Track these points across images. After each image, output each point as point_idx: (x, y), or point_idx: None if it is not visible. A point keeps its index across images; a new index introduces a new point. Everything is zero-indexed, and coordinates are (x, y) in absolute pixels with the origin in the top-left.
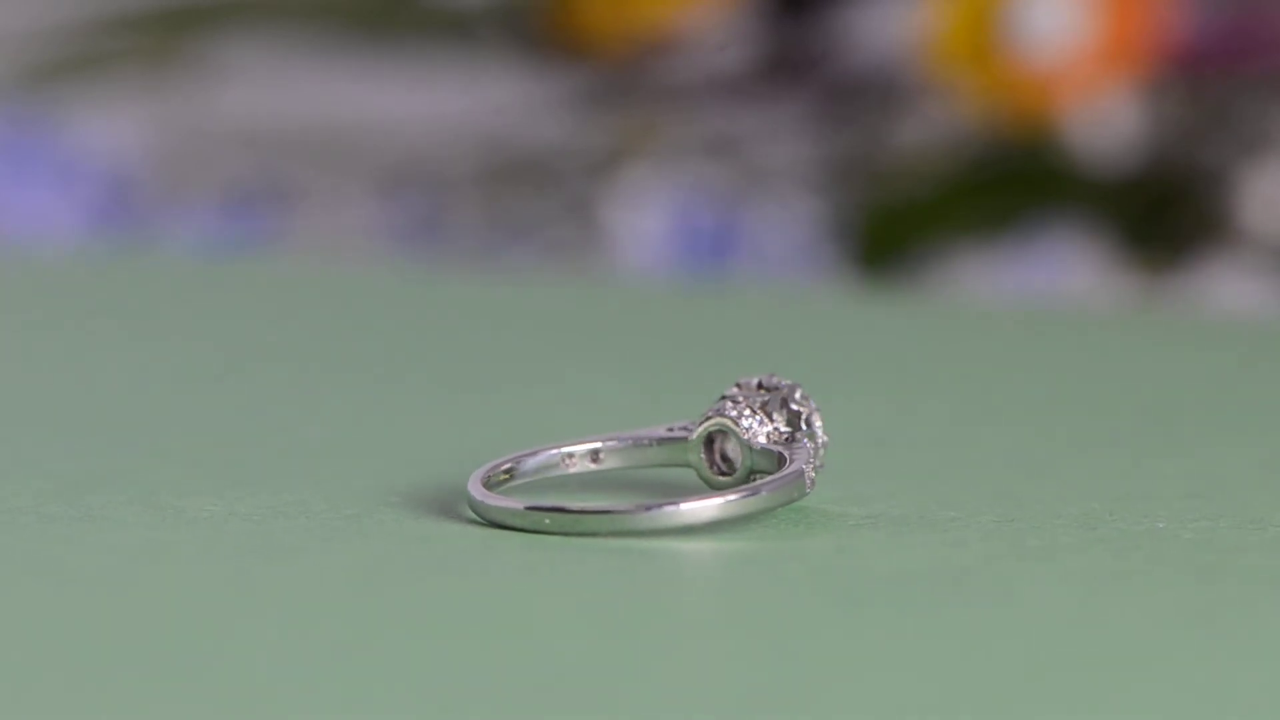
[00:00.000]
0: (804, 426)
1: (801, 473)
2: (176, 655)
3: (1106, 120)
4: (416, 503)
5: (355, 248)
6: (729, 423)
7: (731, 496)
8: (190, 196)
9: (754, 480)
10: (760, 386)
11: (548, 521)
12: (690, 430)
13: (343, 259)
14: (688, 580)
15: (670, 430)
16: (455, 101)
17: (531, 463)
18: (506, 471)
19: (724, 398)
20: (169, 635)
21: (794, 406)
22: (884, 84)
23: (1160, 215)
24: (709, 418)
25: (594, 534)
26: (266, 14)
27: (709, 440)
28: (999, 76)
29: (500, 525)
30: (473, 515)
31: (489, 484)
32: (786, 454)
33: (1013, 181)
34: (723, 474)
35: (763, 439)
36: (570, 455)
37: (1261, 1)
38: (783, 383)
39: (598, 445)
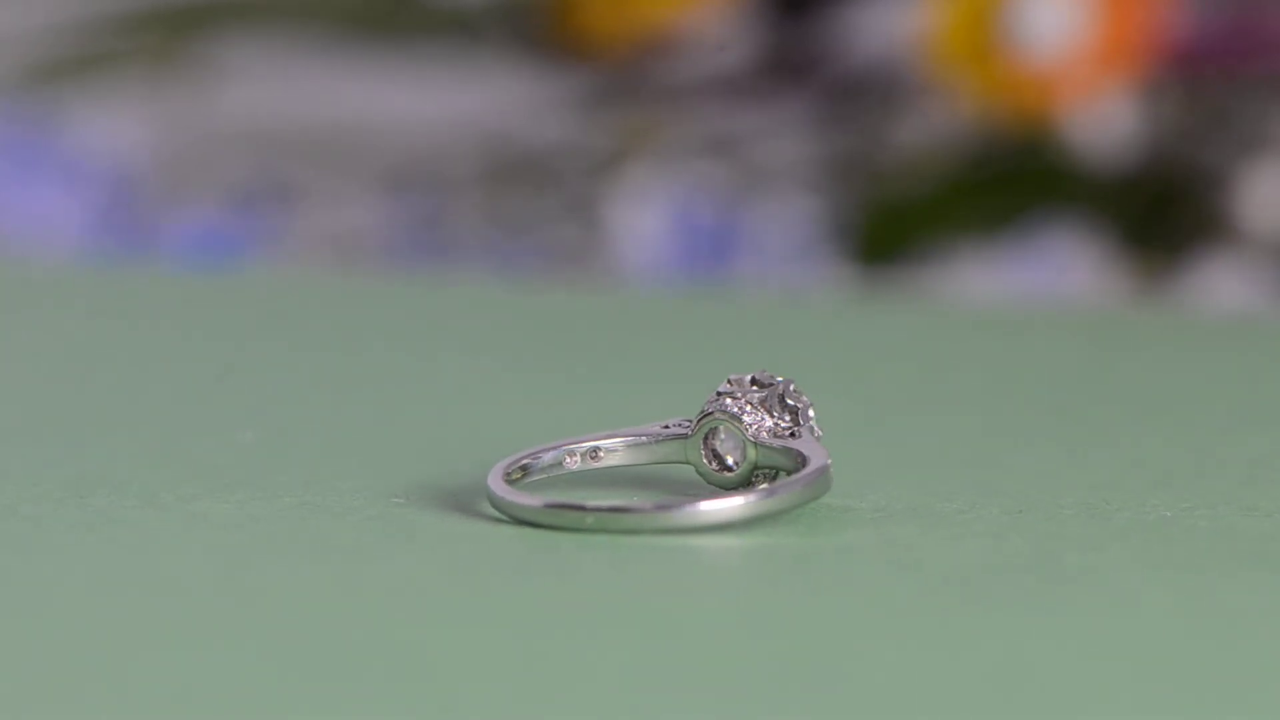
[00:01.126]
0: (801, 421)
1: (827, 468)
2: (231, 660)
3: (1105, 120)
4: (430, 502)
5: (357, 247)
6: (732, 420)
7: (772, 491)
8: (193, 196)
9: (758, 476)
10: (754, 382)
11: (590, 520)
12: (690, 427)
13: (341, 263)
14: (759, 578)
15: (667, 427)
16: (457, 101)
17: (546, 459)
18: (522, 468)
19: (719, 394)
20: (222, 641)
21: (790, 401)
22: (883, 83)
23: (1159, 214)
24: (709, 414)
25: (635, 531)
26: (269, 14)
27: (707, 437)
28: (998, 76)
29: (527, 523)
30: (491, 512)
31: (506, 480)
32: (805, 451)
33: (1012, 181)
34: (723, 470)
35: (765, 435)
36: (572, 453)
37: (1260, 2)
38: (776, 378)
39: (607, 442)
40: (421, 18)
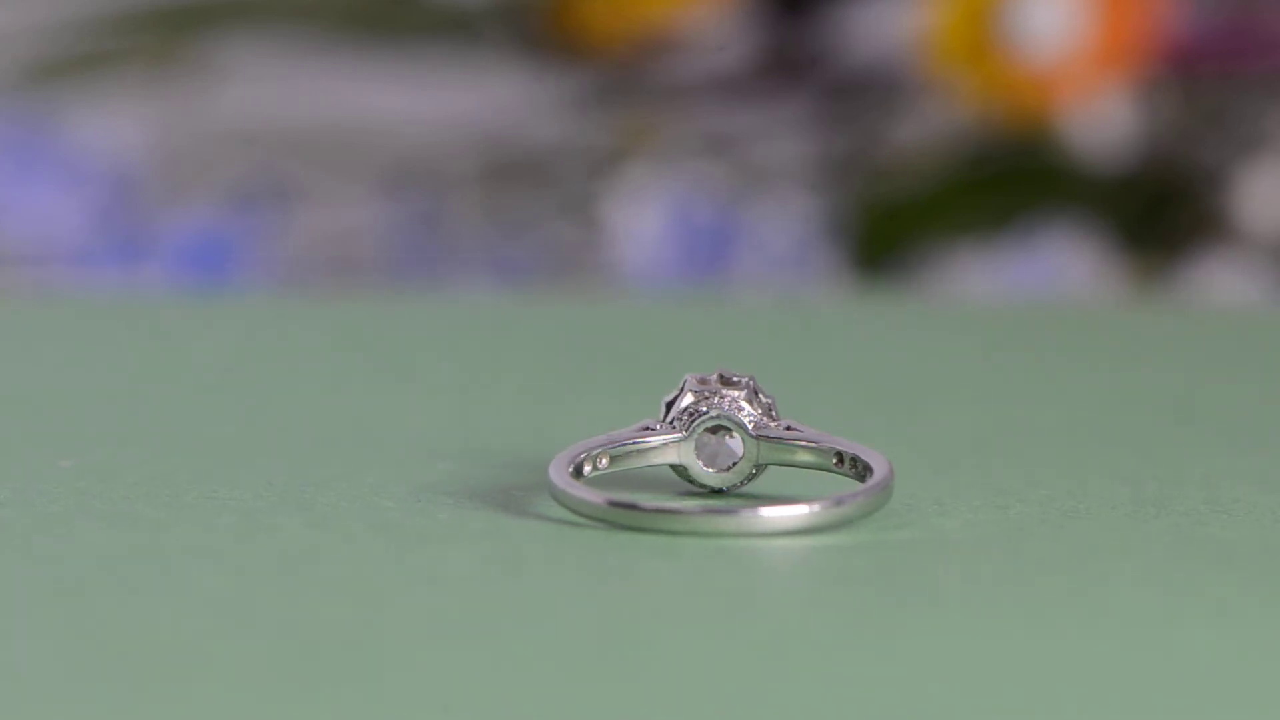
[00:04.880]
0: (775, 417)
1: (891, 477)
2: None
3: (1103, 119)
4: (478, 502)
5: (354, 247)
6: (730, 419)
7: (840, 501)
8: (191, 196)
9: (755, 473)
10: (724, 381)
11: (729, 525)
12: (683, 427)
13: (339, 263)
14: (817, 574)
15: (648, 429)
16: (455, 101)
17: (592, 455)
18: (576, 466)
19: (699, 394)
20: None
21: (762, 398)
22: (882, 83)
23: (1156, 214)
24: (704, 415)
25: (697, 534)
26: (267, 14)
27: (702, 438)
28: (996, 75)
29: (590, 519)
30: (531, 511)
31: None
32: (866, 458)
33: (1010, 180)
34: (721, 470)
35: (753, 433)
36: (588, 458)
37: (1257, 2)
38: (739, 375)
39: (620, 447)
40: (420, 17)
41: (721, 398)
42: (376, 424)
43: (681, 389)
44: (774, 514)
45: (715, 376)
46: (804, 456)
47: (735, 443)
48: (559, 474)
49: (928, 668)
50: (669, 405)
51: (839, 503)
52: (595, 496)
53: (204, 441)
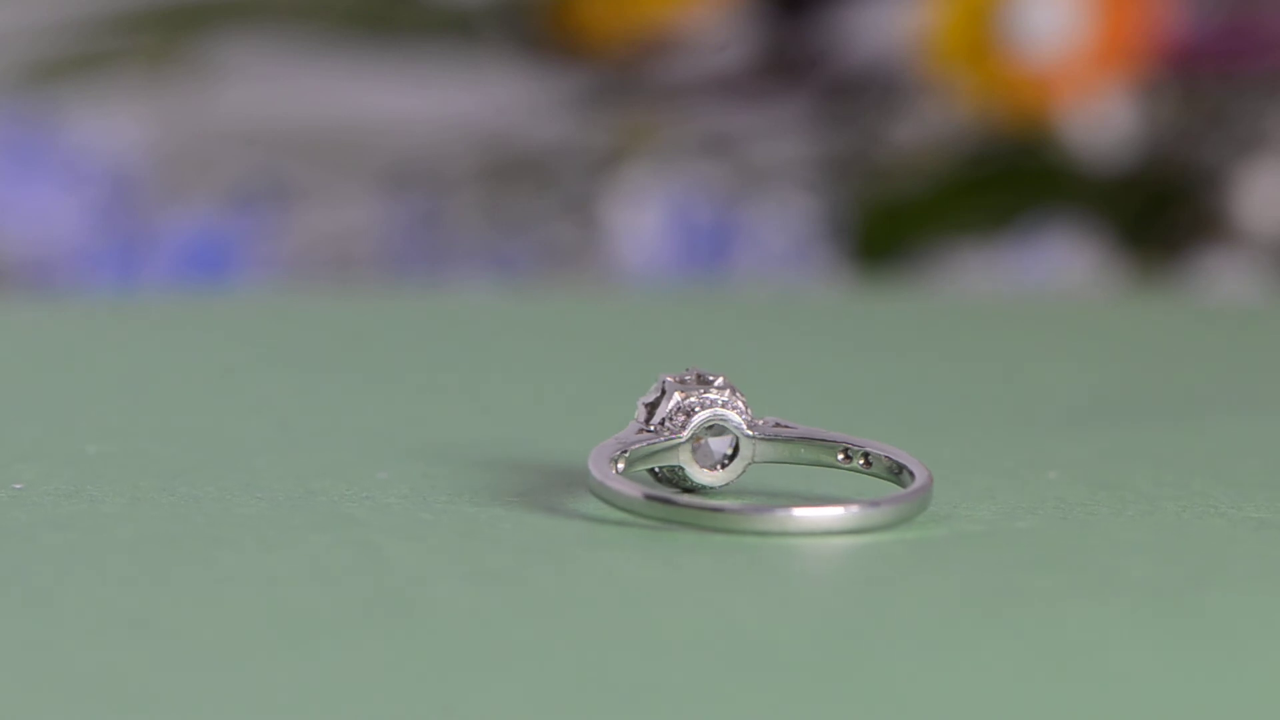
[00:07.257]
0: (751, 415)
1: (930, 485)
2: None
3: (1103, 119)
4: (510, 504)
5: (354, 247)
6: (726, 421)
7: (904, 497)
8: (191, 195)
9: (743, 471)
10: (701, 379)
11: (775, 524)
12: (678, 428)
13: (338, 263)
14: (981, 570)
15: (642, 431)
16: (455, 101)
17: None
18: (615, 459)
19: (687, 394)
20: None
21: (742, 395)
22: (882, 83)
23: (1156, 213)
24: (702, 414)
25: (737, 532)
26: (267, 14)
27: (698, 439)
28: (996, 75)
29: (628, 512)
30: (573, 513)
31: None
32: (904, 461)
33: (1010, 180)
34: (714, 469)
35: (749, 430)
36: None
37: (1257, 2)
38: (714, 375)
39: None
40: (419, 17)
41: (709, 397)
42: (378, 424)
43: (663, 390)
44: (816, 514)
45: (693, 376)
46: (804, 453)
47: (723, 441)
48: (600, 468)
49: (1014, 660)
50: (649, 407)
51: (879, 504)
52: (634, 490)
53: (205, 443)
